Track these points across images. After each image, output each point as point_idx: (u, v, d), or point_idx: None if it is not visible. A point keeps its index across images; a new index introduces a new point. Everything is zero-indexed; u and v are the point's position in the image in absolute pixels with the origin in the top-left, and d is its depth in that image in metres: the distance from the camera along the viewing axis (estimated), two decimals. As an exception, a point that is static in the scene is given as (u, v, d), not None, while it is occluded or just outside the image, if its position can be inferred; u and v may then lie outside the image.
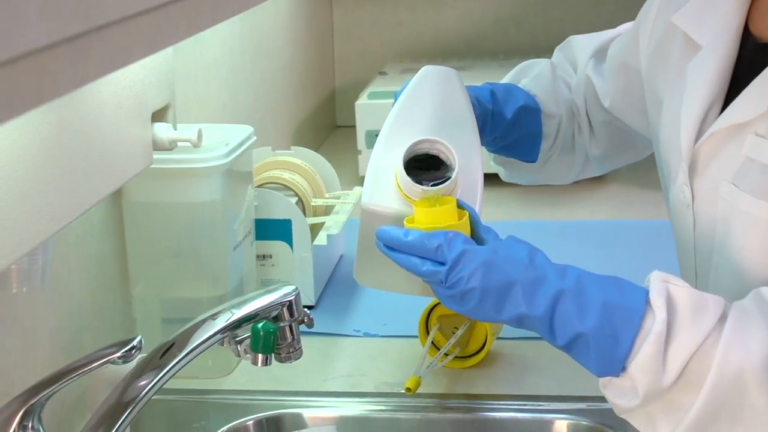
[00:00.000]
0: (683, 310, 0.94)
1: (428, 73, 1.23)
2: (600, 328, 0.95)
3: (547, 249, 0.98)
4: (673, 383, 0.93)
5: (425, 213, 1.05)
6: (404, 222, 1.06)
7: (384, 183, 1.12)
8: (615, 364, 0.95)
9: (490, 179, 1.34)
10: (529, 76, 1.39)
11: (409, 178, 1.07)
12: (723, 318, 0.95)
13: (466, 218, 1.05)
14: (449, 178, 1.07)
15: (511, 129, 1.32)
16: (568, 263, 1.02)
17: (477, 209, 1.11)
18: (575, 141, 1.41)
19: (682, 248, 1.16)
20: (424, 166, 1.10)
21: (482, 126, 1.25)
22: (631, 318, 0.94)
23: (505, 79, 1.42)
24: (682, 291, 0.96)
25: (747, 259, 1.04)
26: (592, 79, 1.37)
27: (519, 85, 1.37)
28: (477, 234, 1.05)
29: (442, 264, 1.00)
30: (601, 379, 0.98)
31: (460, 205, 1.07)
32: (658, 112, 1.20)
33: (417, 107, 1.18)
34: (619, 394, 0.97)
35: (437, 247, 1.00)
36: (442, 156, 1.10)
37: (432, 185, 1.07)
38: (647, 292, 0.96)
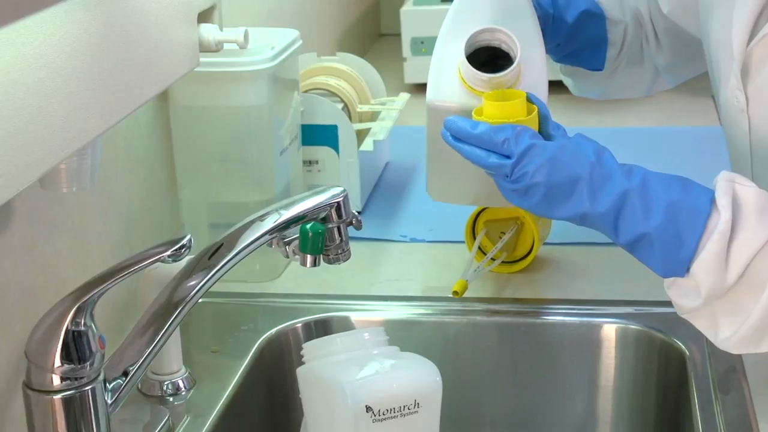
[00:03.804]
0: (748, 209, 0.93)
1: None
2: (665, 228, 0.94)
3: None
4: (735, 283, 0.93)
5: (494, 107, 1.04)
6: (472, 114, 1.05)
7: (447, 78, 1.11)
8: (679, 265, 0.95)
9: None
10: None
11: (471, 67, 1.06)
12: None
13: (534, 113, 1.04)
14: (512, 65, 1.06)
15: (573, 35, 1.29)
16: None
17: (544, 99, 1.09)
18: (644, 52, 1.38)
19: (737, 154, 1.15)
20: (487, 63, 1.09)
21: (543, 31, 1.23)
22: (696, 218, 0.94)
23: None
24: (749, 191, 0.94)
25: None
26: None
27: None
28: (545, 130, 1.04)
29: (509, 158, 0.99)
30: (665, 280, 0.97)
31: (530, 100, 1.06)
32: (709, 14, 1.18)
33: (476, 2, 1.16)
34: (683, 293, 0.96)
35: (504, 141, 1.00)
36: (504, 47, 1.09)
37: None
38: (713, 192, 0.95)
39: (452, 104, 1.11)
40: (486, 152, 1.01)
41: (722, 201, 0.93)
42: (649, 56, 1.38)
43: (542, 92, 1.12)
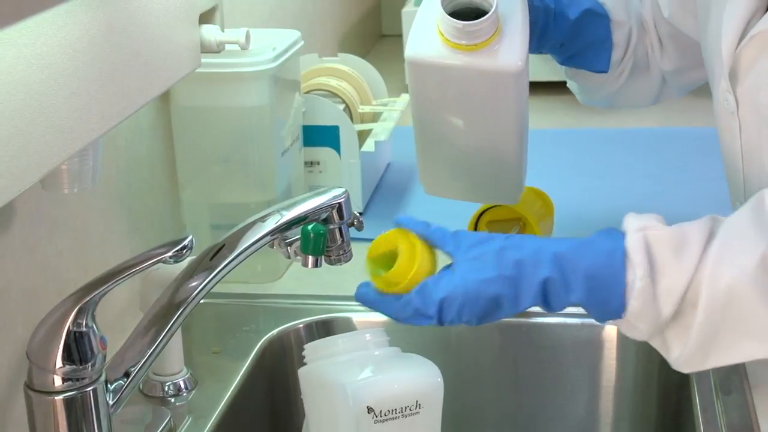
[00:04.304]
0: (663, 254, 0.95)
1: None
2: (589, 296, 0.97)
3: (597, 157, 0.97)
4: (672, 316, 0.95)
5: (387, 276, 1.03)
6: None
7: (426, 34, 1.12)
8: (614, 315, 0.98)
9: (539, 87, 1.32)
10: None
11: (447, 16, 1.07)
12: (711, 238, 0.95)
13: (418, 255, 1.02)
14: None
15: (576, 34, 1.29)
16: (612, 178, 1.02)
17: (524, 59, 1.09)
18: (649, 58, 1.38)
19: (729, 156, 1.15)
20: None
21: (544, 28, 1.23)
22: (614, 280, 0.96)
23: None
24: (660, 234, 0.96)
25: None
26: None
27: None
28: (440, 249, 1.04)
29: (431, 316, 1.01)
30: None
31: (408, 228, 1.04)
32: (707, 16, 1.18)
33: None
34: (628, 329, 0.99)
35: (415, 311, 1.01)
36: (485, 4, 1.09)
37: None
38: (624, 244, 0.96)
39: (429, 57, 1.11)
40: (413, 317, 1.02)
41: (636, 257, 0.95)
42: (654, 63, 1.37)
43: (521, 50, 1.12)
